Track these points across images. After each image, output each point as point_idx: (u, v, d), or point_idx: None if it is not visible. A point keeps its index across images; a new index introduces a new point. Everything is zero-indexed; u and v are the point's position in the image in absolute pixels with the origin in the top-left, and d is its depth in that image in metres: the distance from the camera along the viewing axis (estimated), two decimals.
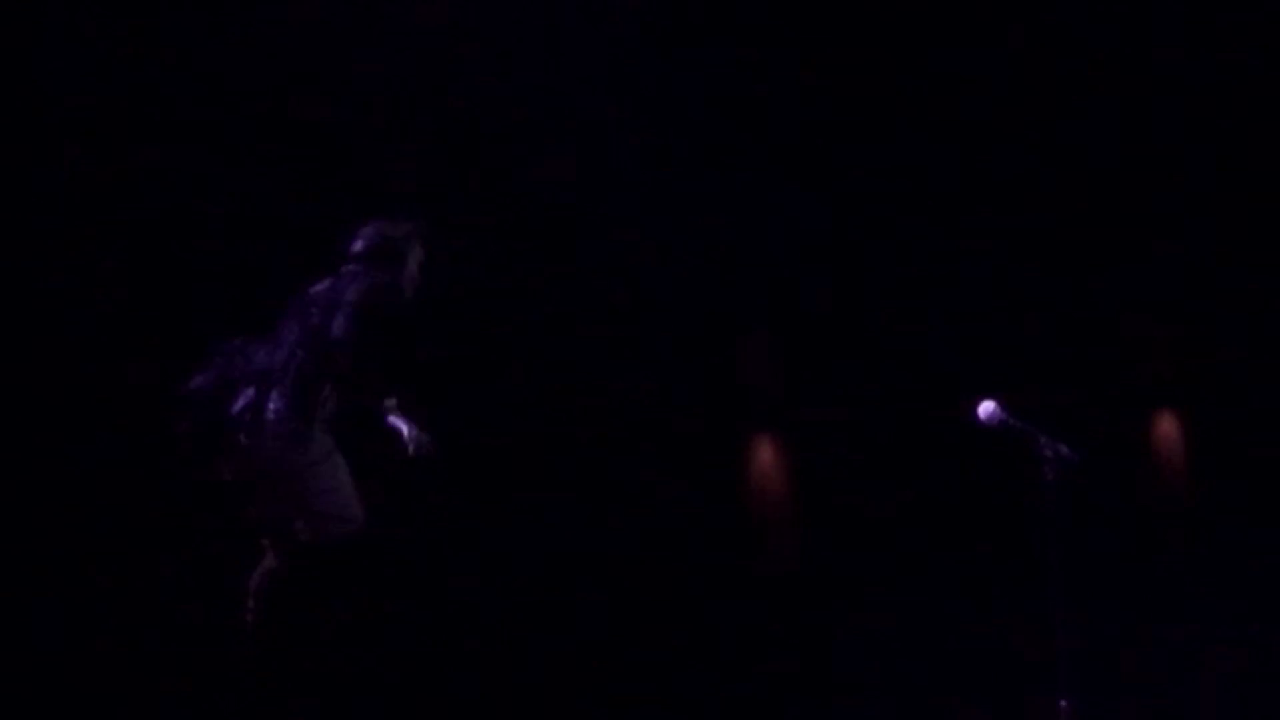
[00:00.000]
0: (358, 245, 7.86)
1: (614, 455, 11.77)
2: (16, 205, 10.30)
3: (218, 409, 7.46)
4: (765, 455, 12.73)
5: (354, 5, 10.72)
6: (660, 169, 11.56)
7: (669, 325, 11.98)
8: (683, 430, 12.15)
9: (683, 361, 12.17)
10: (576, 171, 11.37)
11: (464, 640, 10.51)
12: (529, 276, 11.34)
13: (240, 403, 7.42)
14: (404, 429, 7.66)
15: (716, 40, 11.74)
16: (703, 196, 11.75)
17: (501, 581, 10.96)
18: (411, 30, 10.83)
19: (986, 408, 6.67)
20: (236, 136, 10.53)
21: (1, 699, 9.80)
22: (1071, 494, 6.66)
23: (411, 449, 7.62)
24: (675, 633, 11.64)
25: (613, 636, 11.43)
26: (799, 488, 12.72)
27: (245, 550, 7.72)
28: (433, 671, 10.17)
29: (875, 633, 11.85)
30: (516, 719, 10.62)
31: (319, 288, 7.73)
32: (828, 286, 12.25)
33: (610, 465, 11.76)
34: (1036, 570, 6.65)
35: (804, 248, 12.11)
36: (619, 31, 11.29)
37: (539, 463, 11.41)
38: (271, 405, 7.38)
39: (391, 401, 7.71)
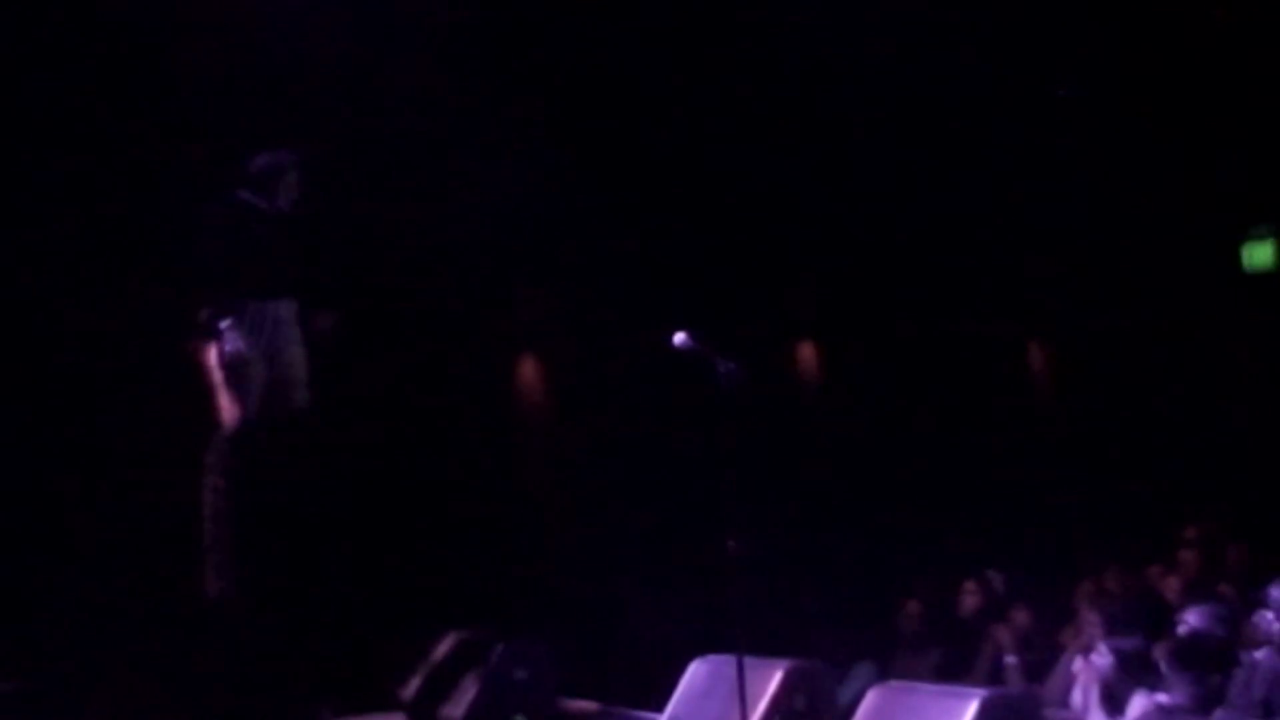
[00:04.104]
0: (250, 169, 8.07)
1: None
2: None
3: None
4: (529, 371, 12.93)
5: None
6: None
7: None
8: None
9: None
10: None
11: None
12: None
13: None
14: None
15: None
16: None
17: None
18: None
19: (680, 337, 6.86)
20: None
21: None
22: (737, 399, 6.84)
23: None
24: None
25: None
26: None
27: None
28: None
29: (612, 504, 12.13)
30: None
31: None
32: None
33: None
34: (716, 450, 6.84)
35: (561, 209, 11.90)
36: None
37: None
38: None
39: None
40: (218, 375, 7.72)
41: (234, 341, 7.67)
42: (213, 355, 7.74)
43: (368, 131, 10.80)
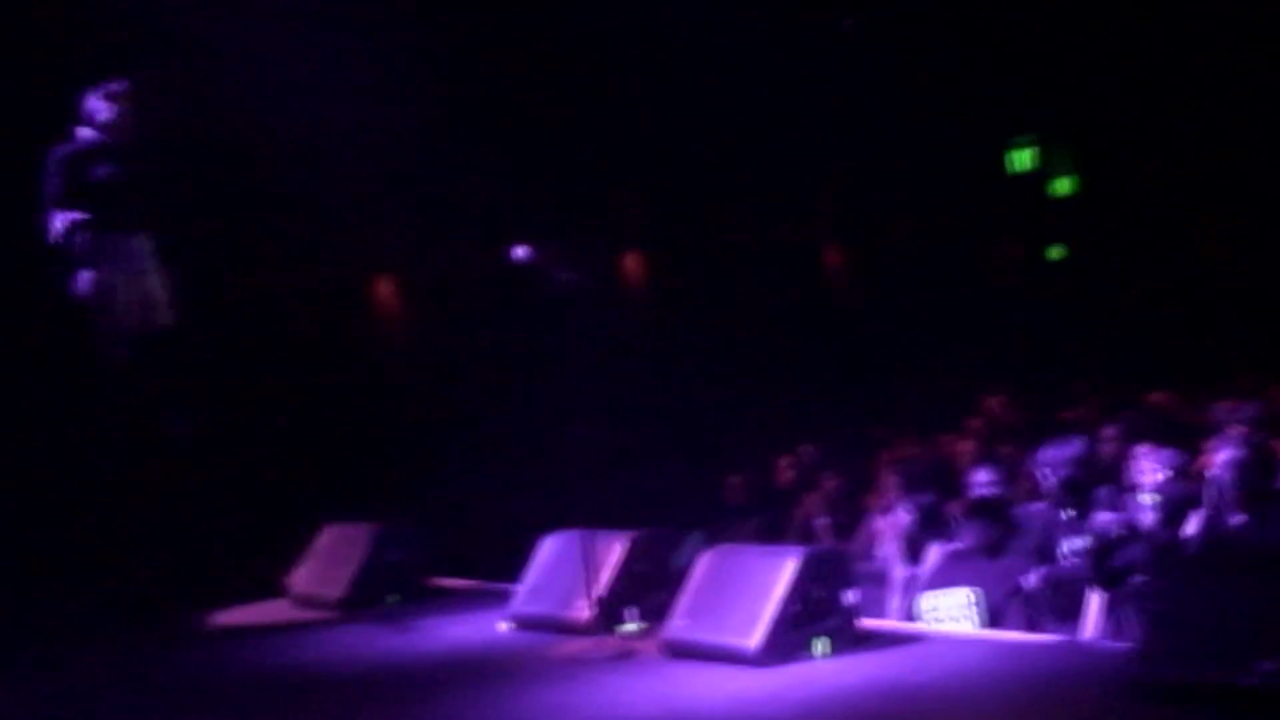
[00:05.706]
0: (84, 107, 7.47)
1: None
2: None
3: None
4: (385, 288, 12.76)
5: None
6: None
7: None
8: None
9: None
10: None
11: None
12: None
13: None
14: None
15: None
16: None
17: None
18: None
19: (520, 251, 6.68)
20: None
21: None
22: (573, 305, 6.75)
23: None
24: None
25: None
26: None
27: None
28: None
29: (466, 402, 12.07)
30: None
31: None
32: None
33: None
34: (555, 351, 6.72)
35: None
36: None
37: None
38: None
39: None
40: (91, 301, 7.34)
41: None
42: (79, 284, 7.33)
43: (226, 63, 10.37)
